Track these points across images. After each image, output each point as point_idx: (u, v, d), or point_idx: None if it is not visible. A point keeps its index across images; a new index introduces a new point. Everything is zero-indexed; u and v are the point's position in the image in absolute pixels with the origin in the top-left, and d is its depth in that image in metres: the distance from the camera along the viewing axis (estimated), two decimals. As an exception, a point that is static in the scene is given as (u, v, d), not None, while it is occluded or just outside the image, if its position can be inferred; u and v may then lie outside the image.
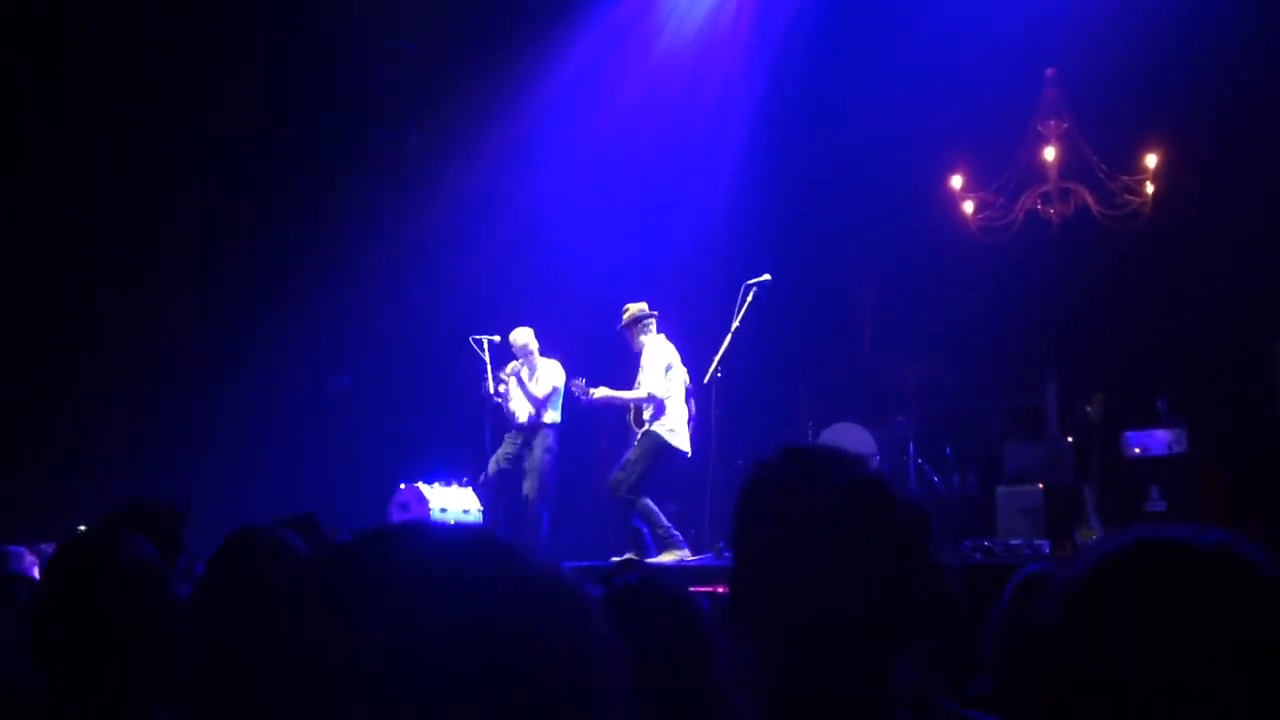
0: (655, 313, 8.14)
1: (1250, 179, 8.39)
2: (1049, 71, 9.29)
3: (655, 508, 7.81)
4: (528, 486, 8.59)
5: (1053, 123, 9.26)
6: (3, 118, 9.15)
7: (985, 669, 2.49)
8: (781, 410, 10.11)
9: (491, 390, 8.78)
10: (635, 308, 8.14)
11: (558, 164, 10.51)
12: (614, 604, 2.19)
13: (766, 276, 7.94)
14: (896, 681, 1.42)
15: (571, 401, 8.70)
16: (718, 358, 7.93)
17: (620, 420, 8.54)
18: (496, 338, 8.87)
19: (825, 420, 9.52)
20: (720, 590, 4.67)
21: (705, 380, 8.01)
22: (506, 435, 8.81)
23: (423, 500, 8.95)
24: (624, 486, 7.78)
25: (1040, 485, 7.77)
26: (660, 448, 7.85)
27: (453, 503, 9.11)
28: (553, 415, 8.68)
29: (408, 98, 10.86)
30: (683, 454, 7.95)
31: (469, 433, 9.58)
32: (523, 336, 8.77)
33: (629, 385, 8.10)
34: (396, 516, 9.00)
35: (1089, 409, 7.94)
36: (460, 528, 0.77)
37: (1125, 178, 8.93)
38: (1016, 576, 2.68)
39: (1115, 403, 7.98)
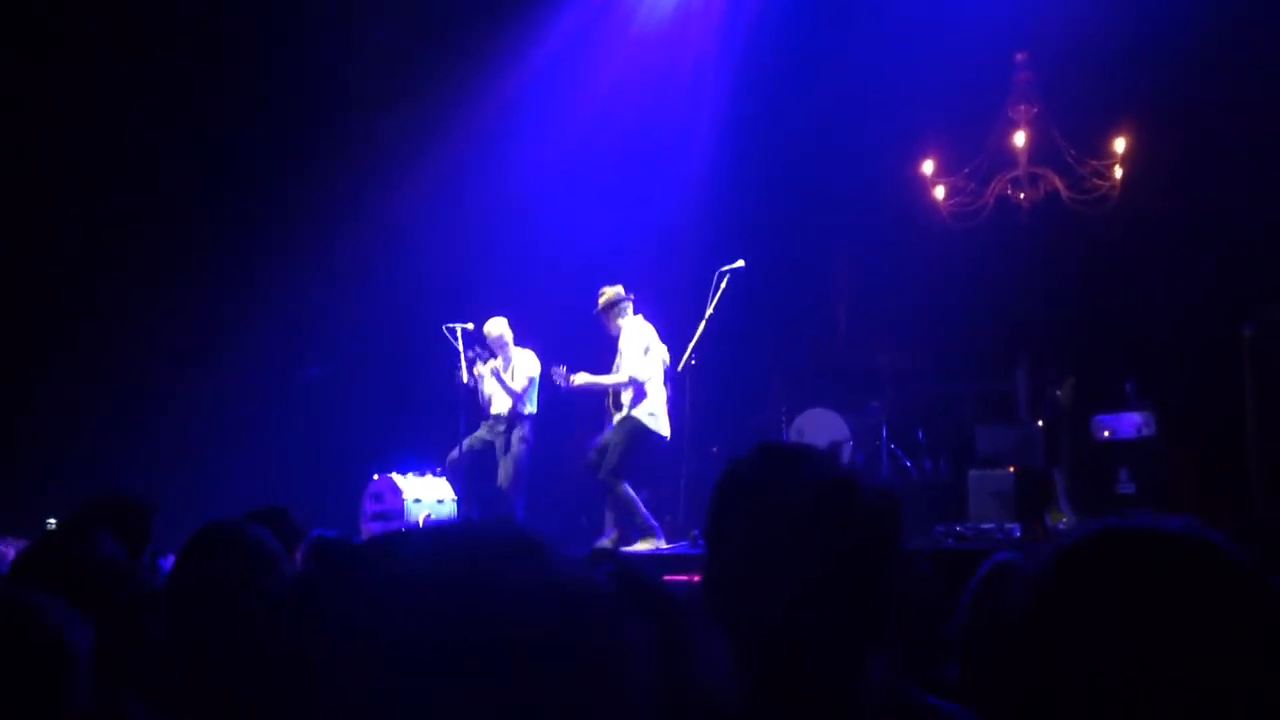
0: (631, 295, 8.12)
1: (1218, 163, 8.46)
2: (1019, 56, 9.33)
3: (634, 494, 7.80)
4: (502, 476, 8.59)
5: (1023, 107, 9.30)
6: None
7: (953, 656, 2.51)
8: (755, 397, 10.14)
9: (465, 379, 8.76)
10: (611, 291, 8.12)
11: (530, 152, 10.47)
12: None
13: (740, 263, 7.94)
14: (871, 674, 1.43)
15: (547, 390, 8.70)
16: (691, 345, 7.93)
17: (595, 407, 8.54)
18: (470, 326, 8.84)
19: (799, 406, 9.56)
20: (696, 579, 4.69)
21: (679, 368, 8.01)
22: (484, 422, 8.80)
23: (396, 491, 8.92)
24: (604, 471, 7.77)
25: (1011, 469, 7.83)
26: (640, 433, 7.84)
27: (426, 493, 9.09)
28: (529, 406, 8.67)
29: (379, 85, 10.78)
30: (662, 438, 7.95)
31: (442, 423, 9.56)
32: (497, 328, 8.74)
33: (608, 370, 8.09)
34: (370, 508, 8.98)
35: (1059, 393, 8.01)
36: (487, 529, 0.74)
37: (1094, 162, 8.98)
38: (985, 564, 2.70)
39: (1085, 387, 8.05)
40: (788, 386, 9.93)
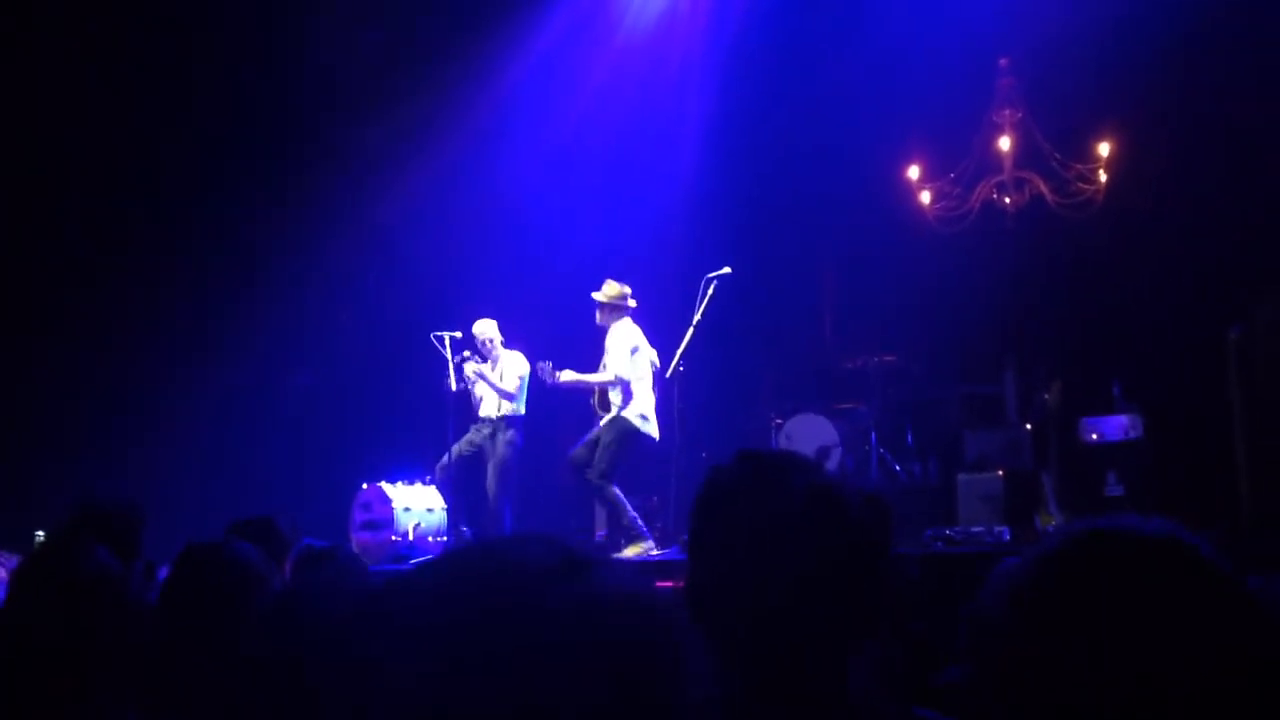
0: (634, 303, 8.11)
1: (1203, 166, 8.50)
2: (1003, 61, 9.37)
3: (623, 498, 7.79)
4: (490, 479, 8.56)
5: (1007, 112, 9.34)
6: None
7: (960, 659, 2.51)
8: (744, 402, 10.15)
9: (454, 388, 8.74)
10: (617, 290, 8.08)
11: (518, 158, 10.47)
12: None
13: (727, 269, 7.94)
14: (853, 683, 1.43)
15: (535, 392, 8.69)
16: (680, 351, 7.93)
17: (581, 408, 8.53)
18: (458, 334, 8.82)
19: (788, 412, 9.56)
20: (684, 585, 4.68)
21: (668, 374, 8.01)
22: (473, 425, 8.78)
23: (385, 500, 8.90)
24: (594, 473, 7.76)
25: (1000, 472, 7.85)
26: (631, 434, 7.84)
27: (416, 502, 9.07)
28: (517, 407, 8.65)
29: (367, 90, 10.77)
30: (652, 440, 7.94)
31: (432, 431, 9.53)
32: (486, 329, 8.73)
33: (594, 371, 8.10)
34: (359, 517, 8.96)
35: (1047, 396, 8.03)
36: (527, 549, 0.73)
37: (1079, 166, 9.02)
38: (994, 571, 2.69)
39: (1072, 389, 8.07)
40: (776, 392, 9.94)
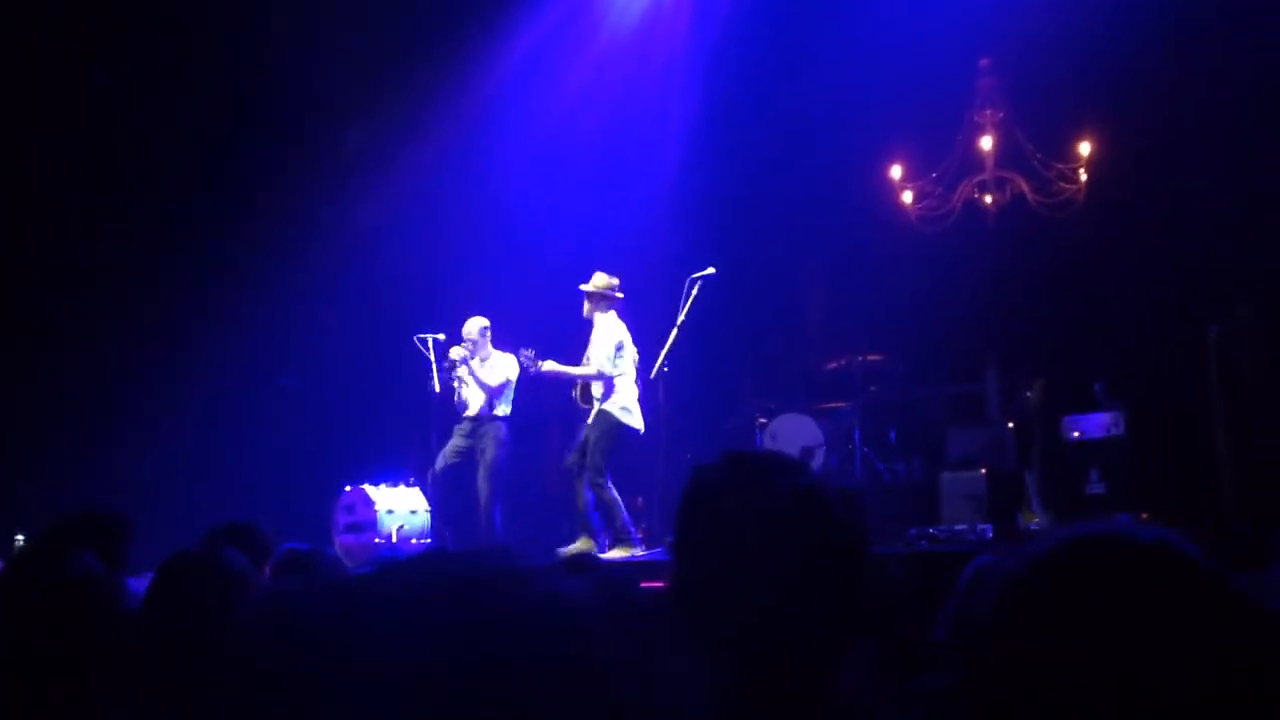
0: (621, 295, 8.11)
1: (1182, 166, 8.55)
2: (984, 61, 9.41)
3: (619, 499, 7.78)
4: (481, 481, 8.52)
5: (989, 112, 9.39)
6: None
7: (938, 662, 2.51)
8: (728, 402, 10.16)
9: (437, 390, 8.71)
10: (605, 281, 8.07)
11: (502, 159, 10.46)
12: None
13: (710, 270, 7.95)
14: (840, 685, 1.43)
15: (522, 396, 8.67)
16: (664, 351, 7.93)
17: (569, 411, 8.52)
18: (442, 336, 8.79)
19: (772, 411, 9.58)
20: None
21: (652, 375, 8.01)
22: (456, 427, 8.71)
23: (369, 502, 8.87)
24: (590, 472, 7.75)
25: (983, 470, 7.88)
26: (615, 427, 7.83)
27: (399, 504, 9.04)
28: (504, 408, 8.62)
29: (350, 92, 10.73)
30: (636, 431, 7.93)
31: (415, 433, 9.52)
32: (476, 326, 8.67)
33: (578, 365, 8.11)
34: (342, 519, 8.93)
35: (1029, 394, 8.06)
36: (473, 557, 0.74)
37: (1060, 166, 9.07)
38: (967, 570, 2.70)
39: (1054, 388, 8.11)
40: (760, 391, 9.96)
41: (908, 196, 9.49)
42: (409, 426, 9.76)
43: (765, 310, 10.43)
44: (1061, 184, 9.01)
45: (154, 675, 2.21)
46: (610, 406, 7.85)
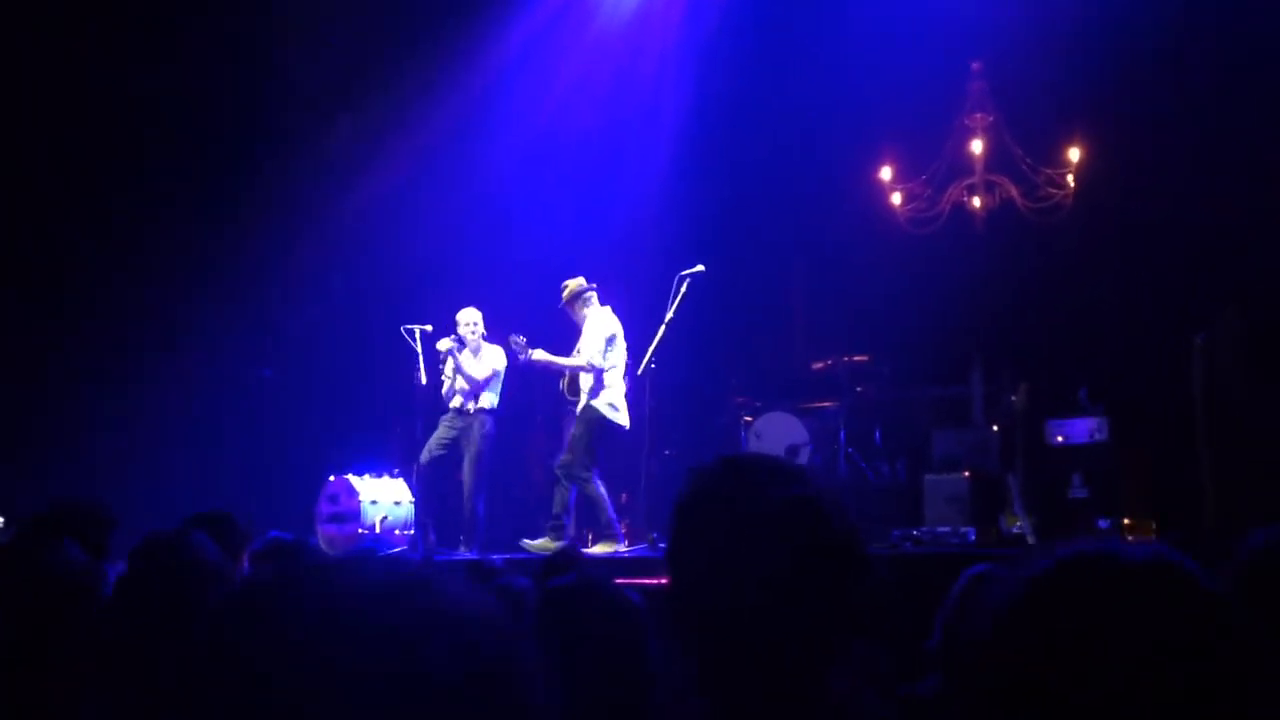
0: (594, 285, 8.12)
1: (1171, 173, 8.59)
2: (974, 65, 9.43)
3: (605, 494, 7.78)
4: (466, 472, 8.50)
5: (979, 115, 9.41)
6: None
7: (933, 669, 2.51)
8: (714, 400, 10.17)
9: (424, 381, 8.68)
10: (574, 283, 8.12)
11: (490, 153, 10.44)
12: (549, 605, 2.19)
13: (700, 267, 7.95)
14: (832, 690, 1.43)
15: (509, 388, 8.66)
16: (651, 348, 7.94)
17: (556, 405, 8.51)
18: (429, 327, 8.76)
19: (757, 410, 9.59)
20: (653, 583, 4.68)
21: (639, 371, 8.01)
22: (442, 418, 8.69)
23: (353, 492, 8.85)
24: (574, 468, 7.76)
25: (966, 473, 7.90)
26: (599, 423, 7.84)
27: (383, 494, 9.03)
28: (491, 400, 8.60)
29: (337, 84, 10.70)
30: (622, 428, 7.94)
31: (400, 424, 9.49)
32: (469, 317, 8.64)
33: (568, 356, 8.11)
34: (326, 509, 8.90)
35: (1014, 398, 8.09)
36: (404, 566, 0.76)
37: (1049, 170, 9.10)
38: (960, 578, 2.70)
39: (1039, 392, 8.14)
40: (746, 390, 9.96)
41: (897, 198, 9.50)
42: (394, 417, 9.73)
43: (753, 309, 10.45)
44: (1050, 189, 9.03)
45: (125, 659, 2.20)
46: (598, 403, 7.85)
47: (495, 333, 8.69)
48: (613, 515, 7.77)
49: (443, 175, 10.51)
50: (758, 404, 9.69)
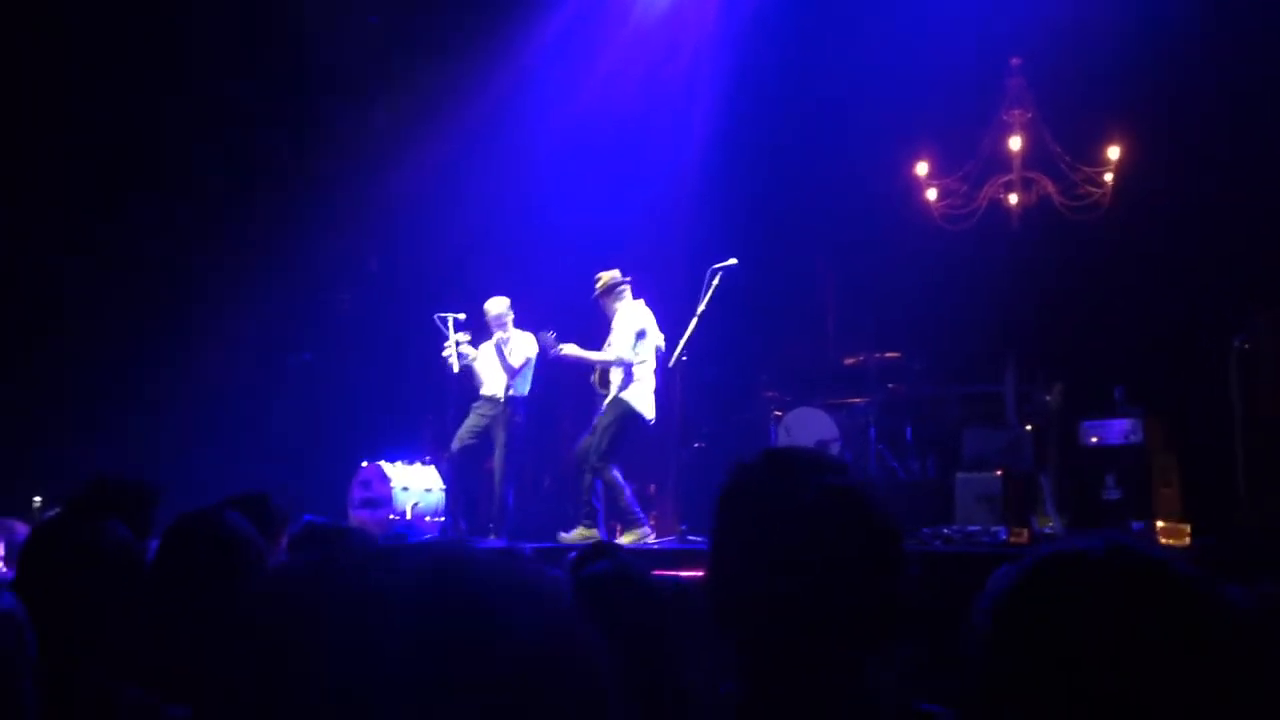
0: (629, 278, 8.12)
1: (1209, 173, 8.49)
2: (1014, 60, 9.36)
3: (623, 481, 7.80)
4: (496, 460, 8.53)
5: (1017, 112, 9.34)
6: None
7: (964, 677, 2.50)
8: (744, 394, 10.15)
9: (457, 369, 8.72)
10: (608, 275, 8.13)
11: (524, 143, 10.46)
12: (582, 592, 2.21)
13: (732, 261, 7.94)
14: (869, 684, 1.44)
15: (540, 377, 8.68)
16: (682, 341, 7.94)
17: (585, 394, 8.52)
18: (461, 315, 8.80)
19: (788, 405, 9.57)
20: (683, 575, 4.69)
21: (670, 364, 8.01)
22: (473, 406, 8.72)
23: (385, 478, 8.92)
24: (593, 455, 7.78)
25: (998, 472, 7.85)
26: (628, 415, 7.85)
27: (415, 481, 9.09)
28: (522, 387, 8.62)
29: (373, 72, 10.75)
30: (648, 422, 7.95)
31: (433, 411, 9.54)
32: (499, 306, 8.68)
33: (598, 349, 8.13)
34: (358, 494, 8.97)
35: (1048, 398, 8.03)
36: (478, 553, 0.76)
37: (1087, 169, 9.02)
38: (993, 578, 2.68)
39: (1073, 392, 8.08)
40: (777, 384, 9.94)
41: (932, 194, 9.45)
42: (427, 405, 9.78)
43: (785, 303, 10.41)
44: (1088, 187, 8.96)
45: (161, 635, 2.23)
46: (627, 395, 7.86)
47: (528, 321, 8.72)
48: (631, 499, 7.77)
49: (479, 163, 10.54)
50: (788, 398, 9.66)
